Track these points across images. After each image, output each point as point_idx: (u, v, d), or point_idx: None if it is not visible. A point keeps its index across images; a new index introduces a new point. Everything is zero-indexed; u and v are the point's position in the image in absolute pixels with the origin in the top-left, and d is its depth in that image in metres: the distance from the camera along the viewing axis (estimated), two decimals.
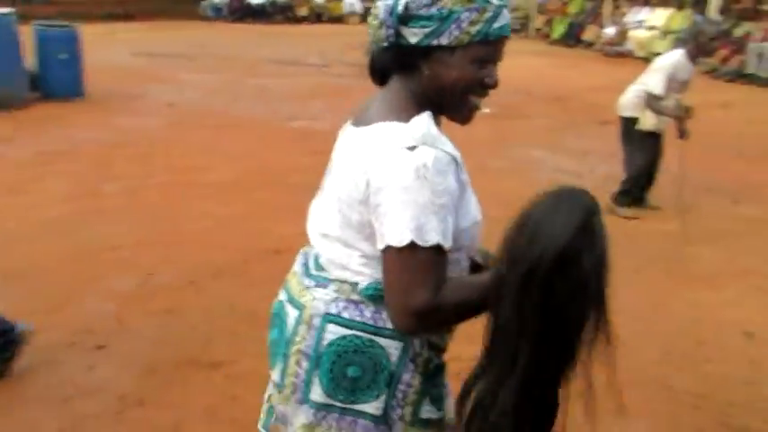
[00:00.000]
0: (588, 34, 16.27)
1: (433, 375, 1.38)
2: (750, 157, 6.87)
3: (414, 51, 1.27)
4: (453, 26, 1.23)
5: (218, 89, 9.64)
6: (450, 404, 1.43)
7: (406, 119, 1.26)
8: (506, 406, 1.19)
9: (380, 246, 1.25)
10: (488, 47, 1.26)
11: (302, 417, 1.37)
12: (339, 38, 15.67)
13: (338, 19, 20.98)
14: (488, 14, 1.23)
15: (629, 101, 5.00)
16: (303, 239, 1.52)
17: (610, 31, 15.06)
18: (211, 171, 5.89)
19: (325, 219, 1.38)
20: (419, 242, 1.20)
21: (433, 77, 1.28)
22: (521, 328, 1.16)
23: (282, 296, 1.46)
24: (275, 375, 1.43)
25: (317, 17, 21.04)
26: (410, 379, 1.34)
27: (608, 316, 1.18)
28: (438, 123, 1.31)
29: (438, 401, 1.39)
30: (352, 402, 1.33)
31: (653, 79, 4.80)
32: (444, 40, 1.24)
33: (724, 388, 3.03)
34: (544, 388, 1.21)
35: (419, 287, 1.21)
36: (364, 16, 22.11)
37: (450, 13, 1.22)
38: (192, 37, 15.30)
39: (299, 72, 11.54)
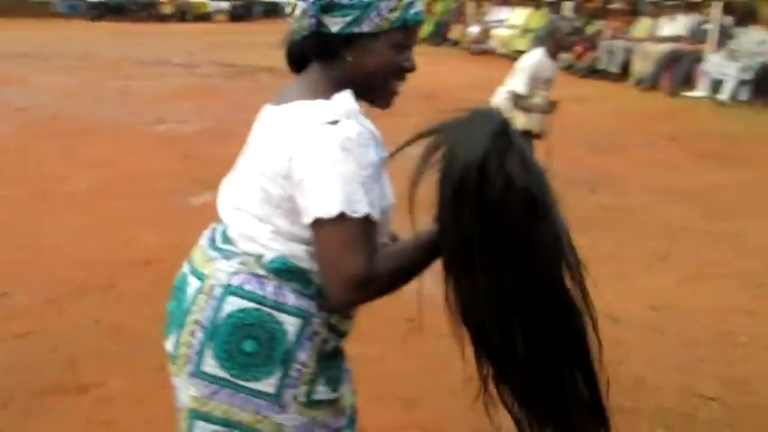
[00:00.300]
0: (454, 33, 16.79)
1: (329, 356, 1.38)
2: (604, 149, 7.31)
3: (335, 39, 1.30)
4: (374, 14, 1.27)
5: (76, 91, 9.11)
6: (348, 389, 1.45)
7: (327, 98, 1.29)
8: (484, 313, 1.24)
9: (307, 220, 1.25)
10: (406, 32, 1.32)
11: (193, 389, 1.35)
12: (206, 36, 15.24)
13: (204, 17, 20.43)
14: (406, 1, 1.29)
15: (499, 103, 5.14)
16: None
17: (474, 29, 15.58)
18: (69, 180, 5.53)
19: (240, 194, 1.38)
20: (348, 213, 1.22)
21: (356, 64, 1.32)
22: (469, 242, 1.20)
23: (185, 268, 1.45)
24: (169, 346, 1.41)
25: (182, 15, 20.38)
26: (306, 358, 1.34)
27: (555, 208, 1.26)
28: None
29: (333, 383, 1.39)
30: (246, 379, 1.32)
31: (516, 79, 4.97)
32: (366, 28, 1.28)
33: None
34: (521, 301, 1.24)
35: (353, 258, 1.22)
36: (232, 14, 21.67)
37: (371, 2, 1.27)
38: (46, 35, 14.37)
39: (164, 73, 11.11)
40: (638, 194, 5.89)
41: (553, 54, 5.04)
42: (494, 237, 1.20)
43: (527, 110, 4.98)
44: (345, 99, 1.29)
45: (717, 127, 8.78)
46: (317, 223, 1.24)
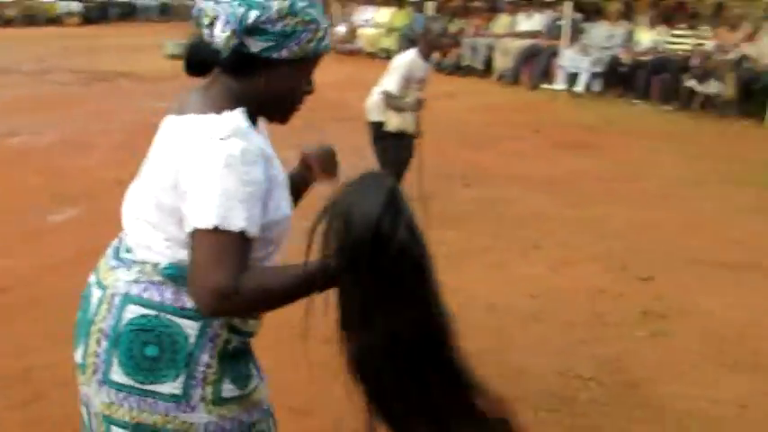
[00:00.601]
0: None
1: (232, 357, 1.43)
2: (474, 143, 7.53)
3: (253, 60, 1.38)
4: (293, 43, 1.37)
5: None
6: (260, 383, 1.51)
7: (221, 113, 1.35)
8: (379, 366, 1.31)
9: (187, 230, 1.30)
10: (316, 61, 1.45)
11: (103, 396, 1.41)
12: (58, 41, 14.36)
13: (54, 20, 19.21)
14: (320, 34, 1.40)
15: (373, 105, 5.16)
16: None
17: (341, 29, 15.61)
18: None
19: (139, 203, 1.44)
20: (223, 226, 1.26)
21: (267, 84, 1.40)
22: (364, 296, 1.27)
23: (91, 278, 1.51)
24: (77, 356, 1.46)
25: (30, 19, 19.05)
26: (209, 359, 1.40)
27: (433, 275, 1.33)
28: (254, 123, 1.43)
29: (240, 380, 1.45)
30: (152, 383, 1.38)
31: (389, 79, 5.02)
32: (285, 54, 1.37)
33: (477, 361, 3.24)
34: (410, 350, 1.32)
35: (218, 269, 1.26)
36: (86, 16, 20.51)
37: (294, 31, 1.36)
38: None
39: (12, 81, 10.34)
40: (508, 186, 6.11)
41: (426, 54, 5.14)
42: (385, 296, 1.28)
43: (399, 109, 5.03)
44: (235, 116, 1.35)
45: (574, 118, 9.29)
46: (194, 233, 1.29)
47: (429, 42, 5.17)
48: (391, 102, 4.97)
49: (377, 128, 5.14)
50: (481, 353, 3.31)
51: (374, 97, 5.13)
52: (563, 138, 8.04)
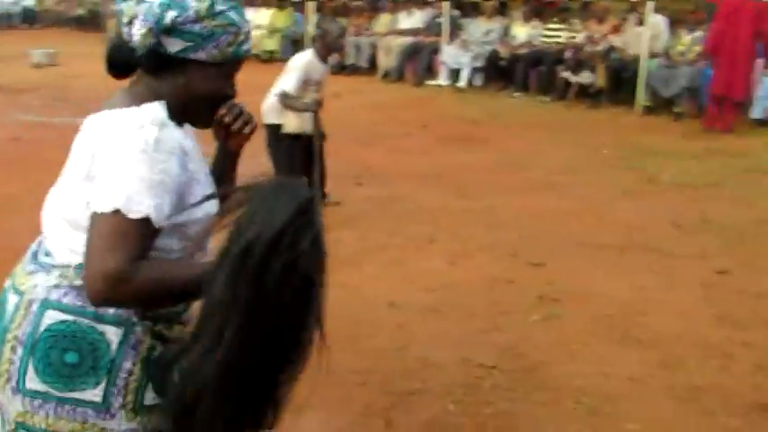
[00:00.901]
0: None
1: (155, 364, 1.39)
2: (364, 142, 7.56)
3: (172, 60, 1.38)
4: (212, 45, 1.37)
5: None
6: None
7: (140, 106, 1.35)
8: (208, 378, 1.22)
9: (89, 212, 1.28)
10: (237, 64, 1.45)
11: (18, 404, 1.37)
12: None
13: None
14: (241, 38, 1.41)
15: (270, 107, 5.06)
16: None
17: None
18: None
19: (59, 203, 1.41)
20: (124, 210, 1.24)
21: (186, 86, 1.40)
22: (232, 303, 1.20)
23: (6, 283, 1.46)
24: None
25: None
26: (131, 366, 1.37)
27: (321, 308, 1.27)
28: (180, 124, 1.40)
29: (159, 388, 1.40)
30: (72, 390, 1.35)
31: (286, 80, 4.96)
32: (203, 56, 1.38)
33: (383, 359, 3.27)
34: (250, 369, 1.25)
35: (115, 253, 1.22)
36: None
37: (212, 33, 1.37)
38: None
39: None
40: (399, 182, 6.17)
41: (323, 56, 5.10)
42: (255, 307, 1.21)
43: (296, 109, 4.98)
44: (154, 107, 1.35)
45: (459, 112, 9.51)
46: (95, 216, 1.26)
47: (327, 44, 5.13)
48: (289, 102, 4.91)
49: (274, 131, 5.07)
50: (387, 350, 3.35)
51: (270, 99, 5.05)
52: (449, 132, 8.21)
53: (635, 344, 3.43)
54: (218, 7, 1.37)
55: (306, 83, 4.96)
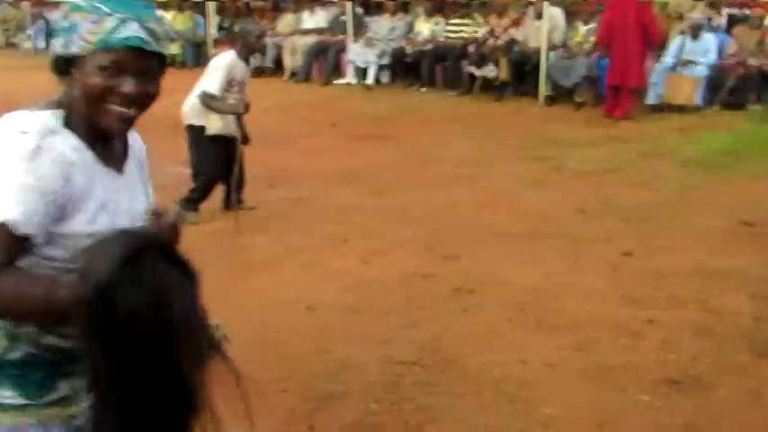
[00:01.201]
0: None
1: (16, 364, 1.37)
2: (274, 144, 7.45)
3: (57, 60, 1.38)
4: (76, 36, 1.33)
5: None
6: (76, 401, 1.42)
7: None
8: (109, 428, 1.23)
9: None
10: (112, 55, 1.33)
11: None
12: None
13: None
14: (108, 25, 1.32)
15: (191, 108, 4.93)
16: None
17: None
18: None
19: None
20: None
21: (78, 84, 1.36)
22: (94, 356, 1.20)
23: None
24: None
25: None
26: None
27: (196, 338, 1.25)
28: (100, 140, 1.39)
29: (25, 389, 1.38)
30: None
31: (209, 80, 4.85)
32: (75, 49, 1.34)
33: (303, 363, 3.23)
34: (147, 415, 1.23)
35: None
36: None
37: (73, 24, 1.34)
38: None
39: None
40: (311, 183, 6.13)
41: (245, 57, 5.04)
42: (113, 360, 1.20)
43: (222, 111, 4.88)
44: (42, 115, 1.34)
45: (368, 110, 9.54)
46: None
47: (247, 45, 5.09)
48: (214, 104, 4.81)
49: (196, 132, 4.95)
50: (308, 354, 3.30)
51: (191, 100, 4.92)
52: (359, 130, 8.22)
53: (549, 329, 3.52)
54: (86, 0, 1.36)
55: (229, 83, 4.89)
